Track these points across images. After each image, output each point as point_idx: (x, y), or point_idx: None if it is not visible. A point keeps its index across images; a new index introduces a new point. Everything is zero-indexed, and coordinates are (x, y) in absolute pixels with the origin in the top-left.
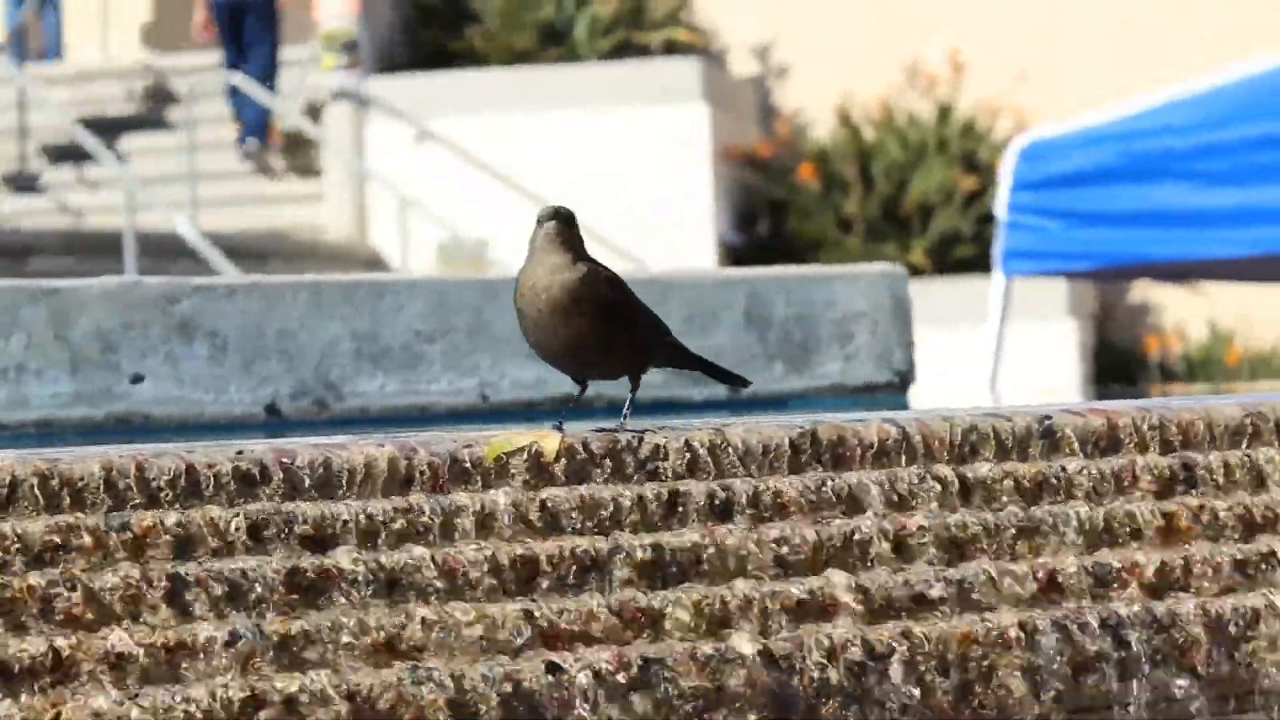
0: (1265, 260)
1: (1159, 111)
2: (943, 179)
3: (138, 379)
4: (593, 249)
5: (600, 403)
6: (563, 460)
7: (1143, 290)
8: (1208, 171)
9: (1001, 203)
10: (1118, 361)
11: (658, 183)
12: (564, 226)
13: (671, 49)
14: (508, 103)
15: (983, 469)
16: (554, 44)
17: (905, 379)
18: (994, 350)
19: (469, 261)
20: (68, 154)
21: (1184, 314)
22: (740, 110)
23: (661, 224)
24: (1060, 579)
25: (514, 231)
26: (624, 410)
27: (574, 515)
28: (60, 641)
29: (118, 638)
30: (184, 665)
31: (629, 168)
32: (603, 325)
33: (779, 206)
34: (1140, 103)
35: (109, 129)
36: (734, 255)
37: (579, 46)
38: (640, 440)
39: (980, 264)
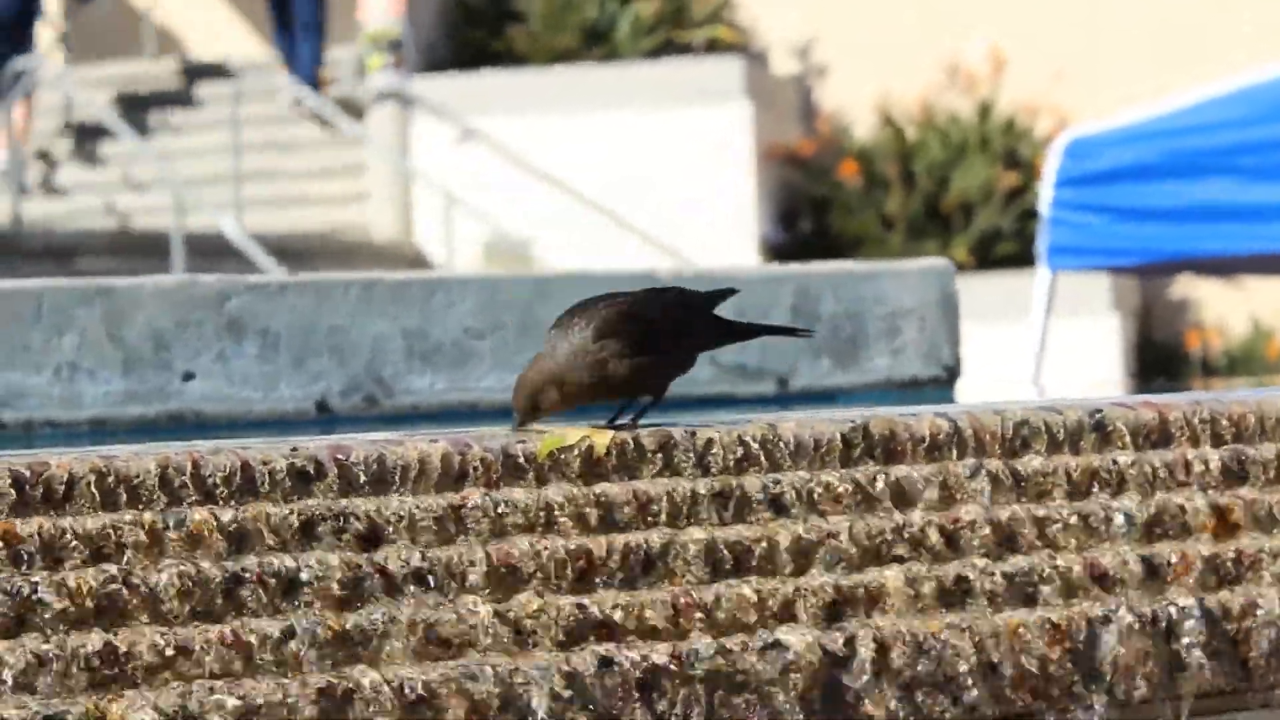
0: None
1: (1202, 108)
2: (984, 177)
3: (189, 377)
4: (635, 247)
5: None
6: (614, 455)
7: (1184, 286)
8: (1250, 167)
9: (1045, 199)
10: (1160, 357)
11: (700, 181)
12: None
13: (713, 48)
14: (551, 102)
15: (1034, 462)
16: (596, 44)
17: (953, 374)
18: (1037, 346)
19: (514, 260)
20: (114, 155)
21: (1225, 309)
22: (782, 109)
23: (704, 223)
24: (1111, 572)
25: (558, 230)
26: (637, 412)
27: (627, 510)
28: (117, 638)
29: (178, 633)
30: (239, 662)
31: (671, 167)
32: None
33: (821, 205)
34: (1183, 99)
35: (156, 130)
36: (776, 253)
37: (621, 46)
38: (693, 435)
39: (1021, 260)
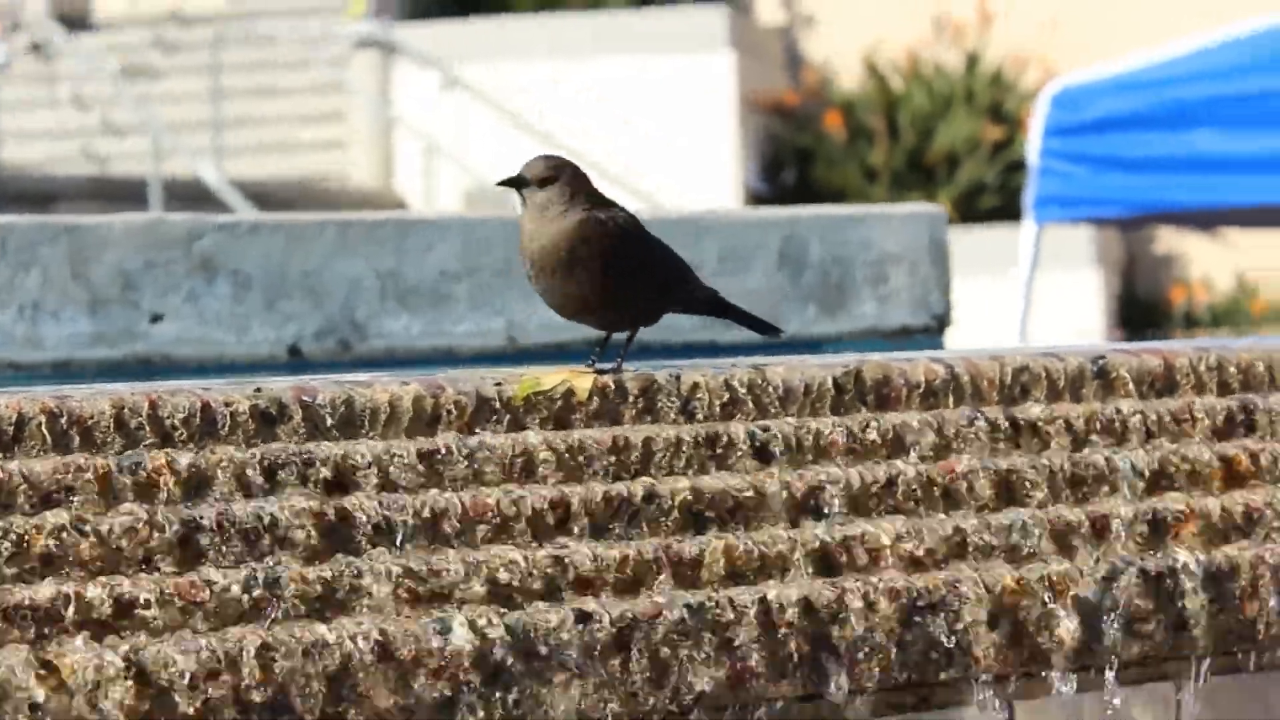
0: None
1: (1192, 58)
2: (969, 129)
3: (158, 318)
4: (617, 196)
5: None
6: (595, 400)
7: (1168, 240)
8: (1240, 117)
9: (1033, 149)
10: (1143, 311)
11: (684, 131)
12: (537, 188)
13: None
14: (535, 50)
15: (1033, 410)
16: None
17: (942, 322)
18: (1024, 298)
19: (495, 208)
20: (94, 100)
21: (1209, 265)
22: (767, 59)
23: (688, 171)
24: (1113, 525)
25: None
26: (620, 355)
27: (608, 457)
28: (68, 587)
29: (133, 584)
30: (197, 615)
31: (655, 116)
32: (603, 278)
33: (805, 155)
34: (1173, 49)
35: (135, 75)
36: (760, 203)
37: None
38: (678, 379)
39: (1006, 214)
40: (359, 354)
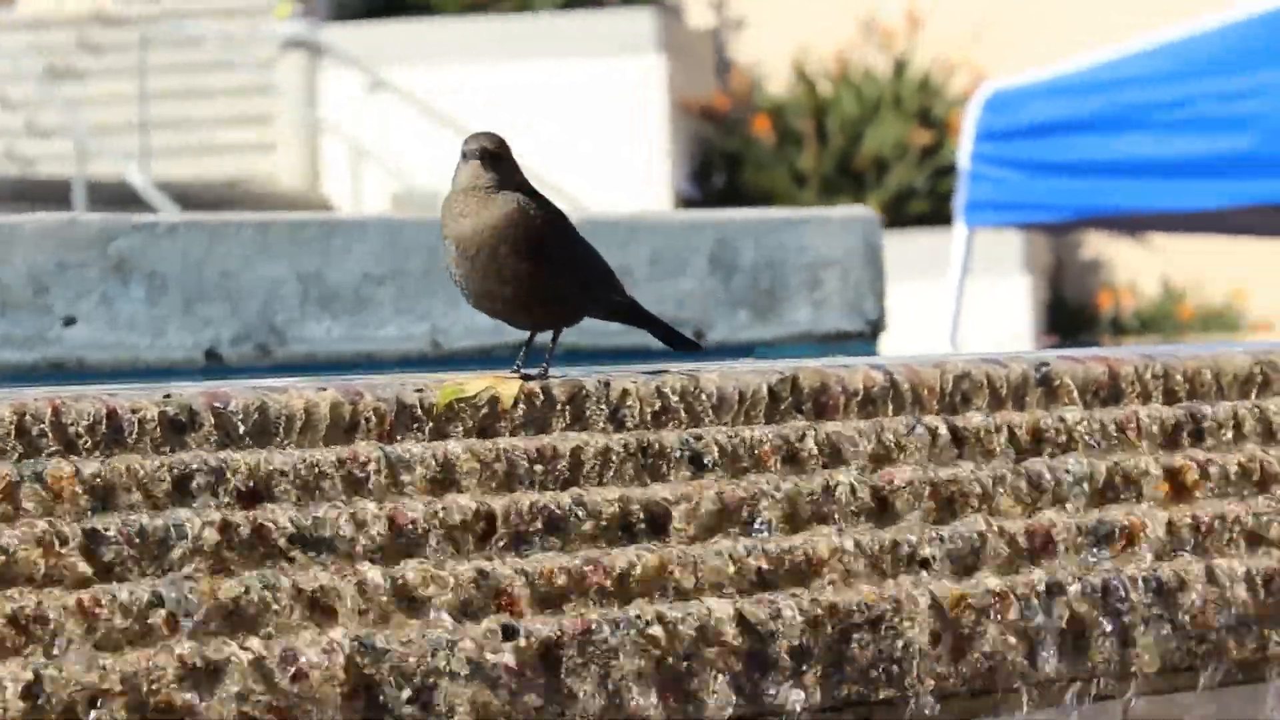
0: (1230, 213)
1: (1125, 62)
2: (898, 134)
3: (70, 322)
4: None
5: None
6: (521, 407)
7: (1096, 246)
8: (1173, 122)
9: (964, 153)
10: (1071, 317)
11: (613, 134)
12: (488, 162)
13: (628, 0)
14: (463, 53)
15: (975, 419)
16: None
17: (876, 328)
18: (955, 303)
19: (423, 211)
20: (19, 101)
21: (1137, 270)
22: (696, 63)
23: (617, 175)
24: (1058, 537)
25: None
26: (545, 360)
27: (534, 467)
28: None
29: (31, 600)
30: (101, 630)
31: (584, 119)
32: (529, 271)
33: (734, 159)
34: (1105, 53)
35: (61, 76)
36: (690, 207)
37: None
38: (607, 386)
39: (934, 219)
40: (278, 359)
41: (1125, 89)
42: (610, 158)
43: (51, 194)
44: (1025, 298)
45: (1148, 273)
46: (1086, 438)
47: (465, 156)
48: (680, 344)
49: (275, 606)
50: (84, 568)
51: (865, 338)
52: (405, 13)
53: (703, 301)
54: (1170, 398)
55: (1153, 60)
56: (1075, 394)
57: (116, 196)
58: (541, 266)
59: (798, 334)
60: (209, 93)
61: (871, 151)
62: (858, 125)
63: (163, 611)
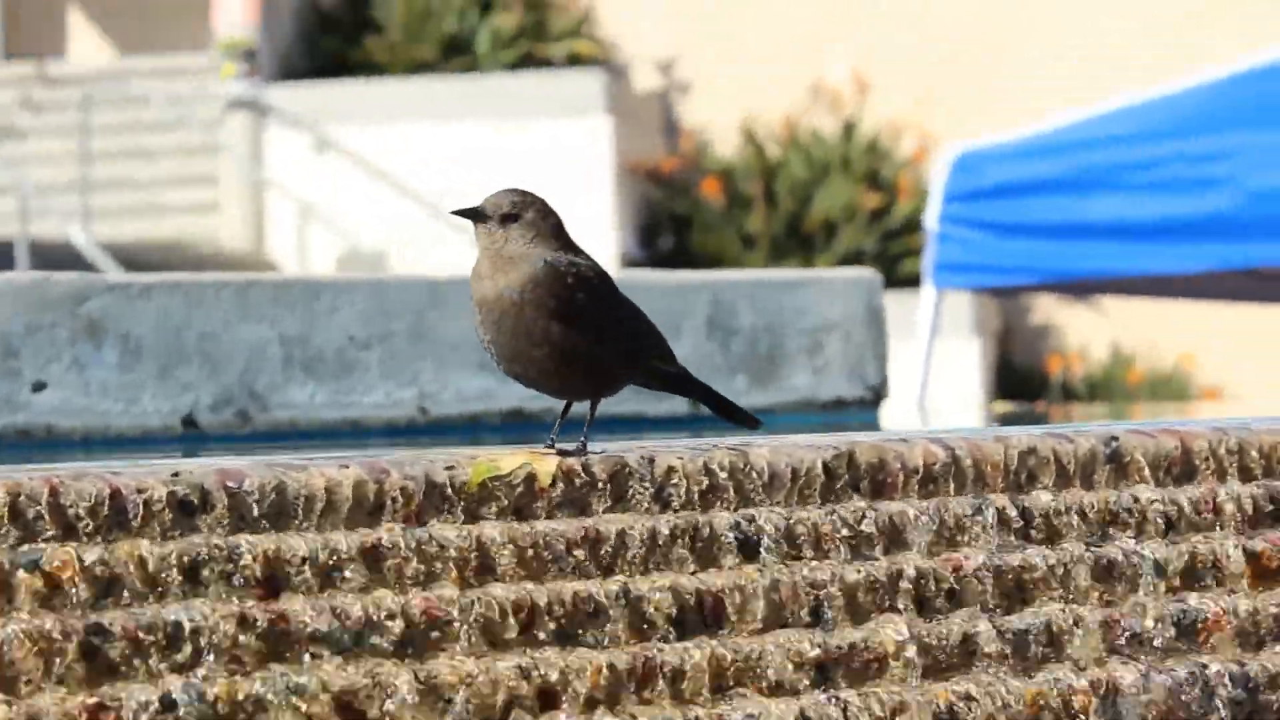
0: (1201, 277)
1: (1093, 123)
2: (847, 196)
3: (40, 387)
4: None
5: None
6: (560, 486)
7: (1045, 310)
8: (1143, 184)
9: (932, 214)
10: (1020, 380)
11: (560, 195)
12: (498, 223)
13: (575, 61)
14: (409, 113)
15: (1043, 499)
16: (456, 55)
17: (879, 394)
18: (924, 366)
19: (369, 272)
20: None
21: (1086, 335)
22: (644, 124)
23: None
24: (1135, 628)
25: (413, 242)
26: (582, 434)
27: (574, 552)
28: None
29: (26, 705)
30: None
31: (531, 180)
32: (559, 336)
33: (682, 222)
34: (1075, 114)
35: (3, 134)
36: (634, 268)
37: (481, 58)
38: (651, 462)
39: (885, 281)
40: (259, 426)
41: (1094, 150)
42: None
43: None
44: (975, 360)
45: (1098, 338)
46: (1161, 519)
47: (483, 216)
48: (740, 419)
49: (294, 710)
50: (85, 666)
51: (867, 404)
52: (352, 73)
53: (699, 366)
54: (1245, 475)
55: (1121, 122)
56: (1146, 471)
57: (60, 257)
58: (573, 329)
59: (798, 400)
60: (153, 153)
61: (821, 214)
62: (807, 188)
63: (174, 716)
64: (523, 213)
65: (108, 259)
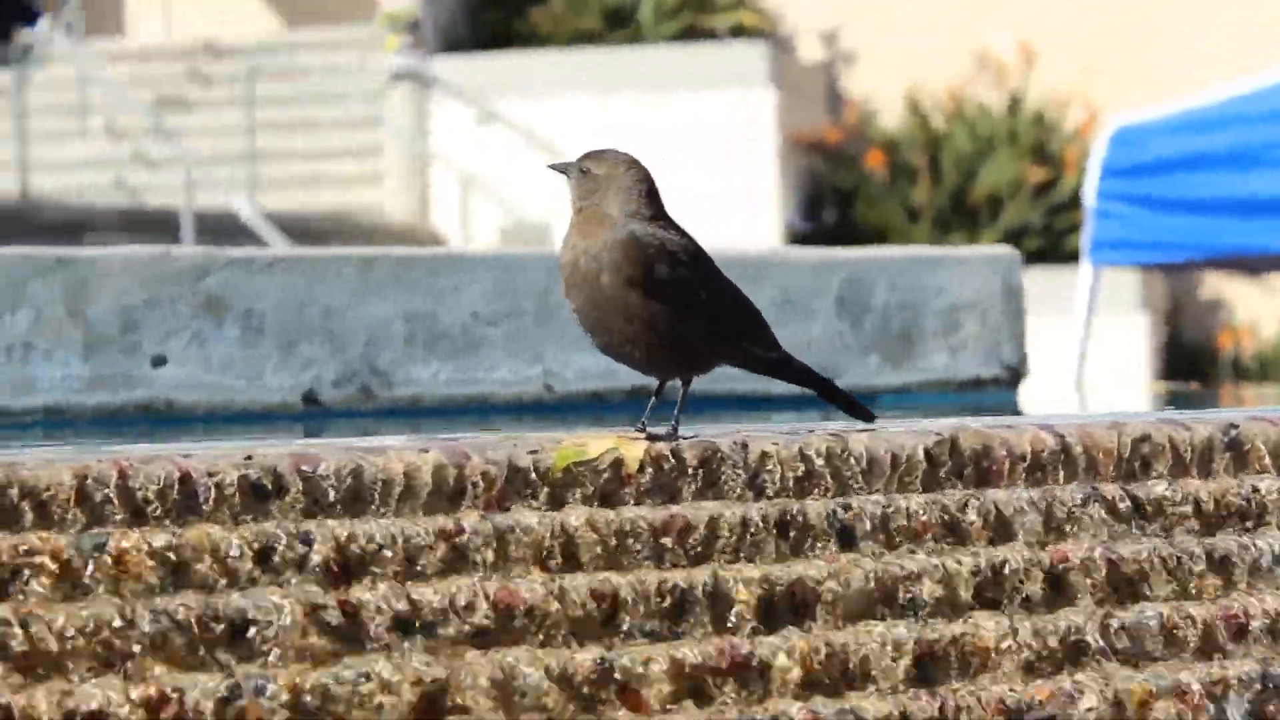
0: None
1: (1255, 97)
2: (1013, 170)
3: (160, 361)
4: None
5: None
6: (648, 471)
7: (1214, 286)
8: None
9: (1090, 190)
10: (1189, 358)
11: (724, 168)
12: (578, 180)
13: (738, 33)
14: (572, 85)
15: (1158, 488)
16: (619, 26)
17: (1016, 374)
18: (1081, 343)
19: (532, 244)
20: (127, 131)
21: (1256, 310)
22: (807, 96)
23: (727, 210)
24: (1253, 625)
25: None
26: (673, 417)
27: (662, 540)
28: (11, 698)
29: (87, 693)
30: None
31: (695, 152)
32: (636, 304)
33: (846, 194)
34: (1235, 87)
35: (170, 107)
36: (800, 242)
37: (644, 29)
38: (744, 448)
39: (1049, 256)
40: (383, 403)
41: (1255, 125)
42: (720, 191)
43: (159, 225)
44: (1143, 337)
45: (1267, 314)
46: None
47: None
48: (852, 409)
49: (369, 702)
50: (152, 656)
51: (1004, 384)
52: (514, 44)
53: (830, 345)
54: None
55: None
56: (1268, 460)
57: (223, 227)
58: (654, 301)
59: (933, 381)
60: (317, 125)
61: (986, 188)
62: (972, 161)
63: (240, 706)
64: (611, 173)
65: (272, 230)
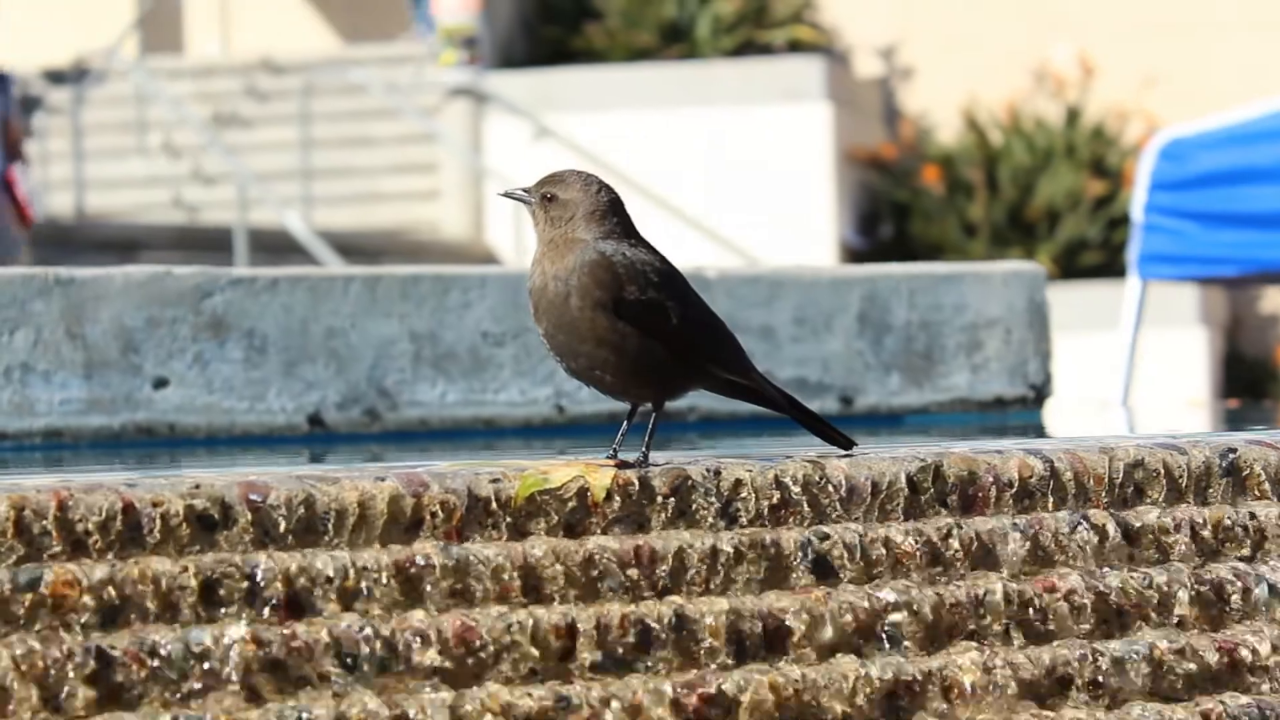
0: None
1: None
2: (1071, 184)
3: (161, 383)
4: (711, 249)
5: (693, 416)
6: (616, 500)
7: (1275, 300)
8: None
9: (1138, 203)
10: (1249, 373)
11: (780, 183)
12: (540, 206)
13: (795, 48)
14: (628, 100)
15: (1150, 515)
16: (675, 42)
17: (1041, 393)
18: (1127, 359)
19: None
20: (184, 148)
21: None
22: (864, 111)
23: (782, 225)
24: (1250, 658)
25: None
26: (643, 444)
27: (628, 572)
28: None
29: None
30: None
31: (750, 167)
32: (603, 327)
33: (902, 209)
34: None
35: (227, 123)
36: (856, 258)
37: (701, 45)
38: (717, 475)
39: (1108, 271)
40: (388, 424)
41: None
42: (776, 206)
43: (213, 242)
44: (1202, 352)
45: None
46: None
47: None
48: (830, 437)
49: None
50: (88, 694)
51: (1028, 404)
52: (571, 60)
53: (850, 364)
54: None
55: None
56: (1267, 485)
57: (278, 244)
58: (622, 324)
59: (955, 400)
60: (373, 140)
61: (1043, 202)
62: (1029, 175)
63: None
64: (579, 196)
65: (324, 247)
